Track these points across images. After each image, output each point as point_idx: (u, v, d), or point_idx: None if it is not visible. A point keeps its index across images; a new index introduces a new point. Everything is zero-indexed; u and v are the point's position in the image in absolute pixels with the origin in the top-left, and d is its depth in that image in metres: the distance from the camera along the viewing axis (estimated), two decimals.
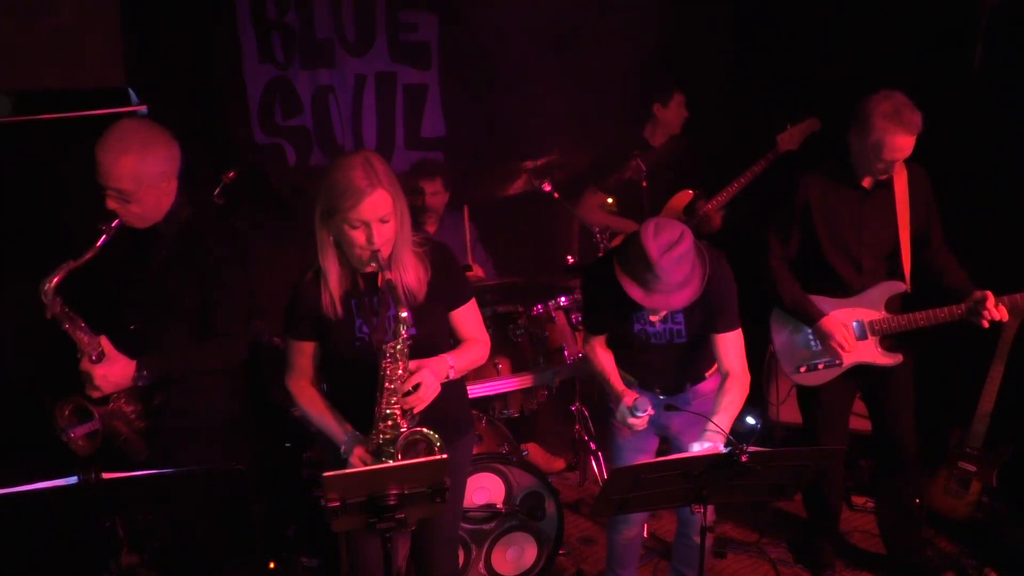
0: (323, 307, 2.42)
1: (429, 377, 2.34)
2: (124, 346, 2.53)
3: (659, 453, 3.06)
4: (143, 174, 2.47)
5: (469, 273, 4.24)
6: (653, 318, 2.78)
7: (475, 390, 3.57)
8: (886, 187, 3.21)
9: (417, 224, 4.42)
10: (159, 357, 2.52)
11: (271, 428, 3.94)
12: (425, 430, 2.33)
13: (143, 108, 3.92)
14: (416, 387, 2.32)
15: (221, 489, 2.09)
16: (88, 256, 2.46)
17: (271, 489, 3.78)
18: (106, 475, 1.97)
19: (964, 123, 3.59)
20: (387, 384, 2.32)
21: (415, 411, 2.34)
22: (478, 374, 3.66)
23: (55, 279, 2.43)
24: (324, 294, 2.41)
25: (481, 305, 3.76)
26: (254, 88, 4.47)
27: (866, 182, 3.19)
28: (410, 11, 4.91)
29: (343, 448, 2.42)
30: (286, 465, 3.79)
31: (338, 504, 2.09)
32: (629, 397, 2.78)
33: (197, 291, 2.60)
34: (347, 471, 2.10)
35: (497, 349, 3.67)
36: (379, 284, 2.39)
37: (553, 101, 5.13)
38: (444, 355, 2.46)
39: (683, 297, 2.56)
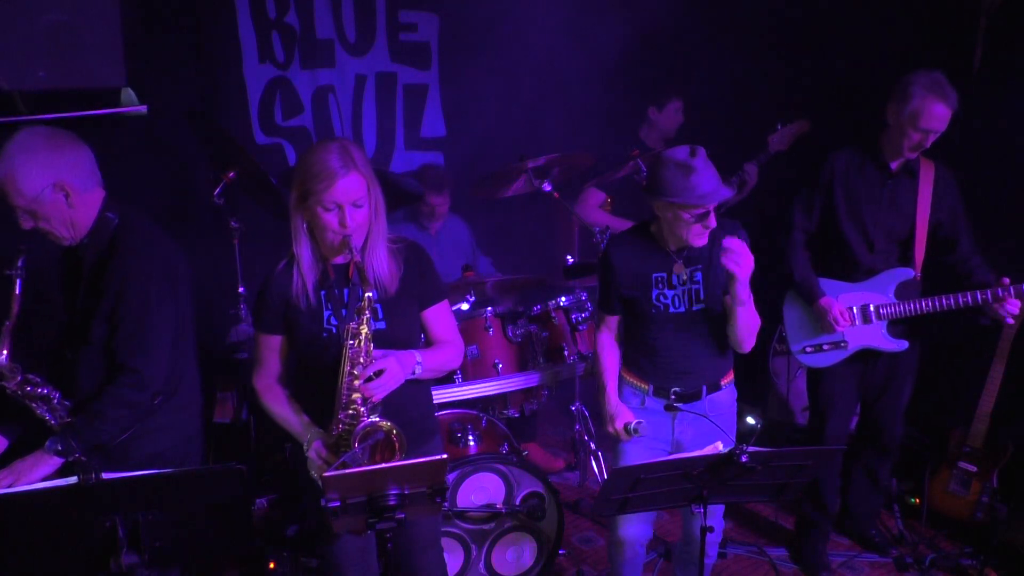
0: (293, 295, 2.39)
1: (394, 365, 2.31)
2: (63, 377, 2.49)
3: None
4: (24, 187, 2.34)
5: (467, 274, 4.25)
6: (677, 268, 2.76)
7: (475, 390, 3.58)
8: (910, 176, 3.27)
9: (421, 226, 4.44)
10: (63, 437, 2.37)
11: (271, 428, 3.94)
12: (382, 421, 2.28)
13: (143, 108, 3.92)
14: (379, 373, 2.29)
15: (221, 489, 2.09)
16: (17, 308, 2.38)
17: (271, 489, 3.79)
18: (106, 475, 1.97)
19: (964, 123, 3.59)
20: (348, 368, 2.28)
21: (375, 398, 2.29)
22: (478, 374, 3.66)
23: (4, 350, 2.36)
24: (295, 281, 2.39)
25: (481, 305, 3.80)
26: (254, 88, 4.48)
27: (894, 164, 3.25)
28: (410, 11, 4.91)
29: (304, 444, 2.39)
30: (286, 465, 3.80)
31: (338, 504, 2.09)
32: (622, 418, 2.84)
33: (106, 315, 2.43)
34: (347, 471, 2.09)
35: (497, 349, 3.68)
36: (349, 274, 2.39)
37: (553, 101, 5.14)
38: (413, 351, 2.43)
39: (725, 191, 2.63)
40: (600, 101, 5.08)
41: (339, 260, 2.43)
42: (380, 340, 2.36)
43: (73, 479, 1.96)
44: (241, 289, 3.86)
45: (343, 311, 2.39)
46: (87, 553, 2.05)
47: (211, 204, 3.74)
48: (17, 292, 2.39)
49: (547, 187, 4.02)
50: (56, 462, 2.36)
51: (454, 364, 2.59)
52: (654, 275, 2.79)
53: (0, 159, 2.34)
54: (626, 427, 2.84)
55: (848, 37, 4.43)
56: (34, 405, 2.45)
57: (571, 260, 4.21)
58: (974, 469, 3.73)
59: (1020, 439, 3.70)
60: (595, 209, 4.59)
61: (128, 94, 3.90)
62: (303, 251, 2.39)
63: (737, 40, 4.81)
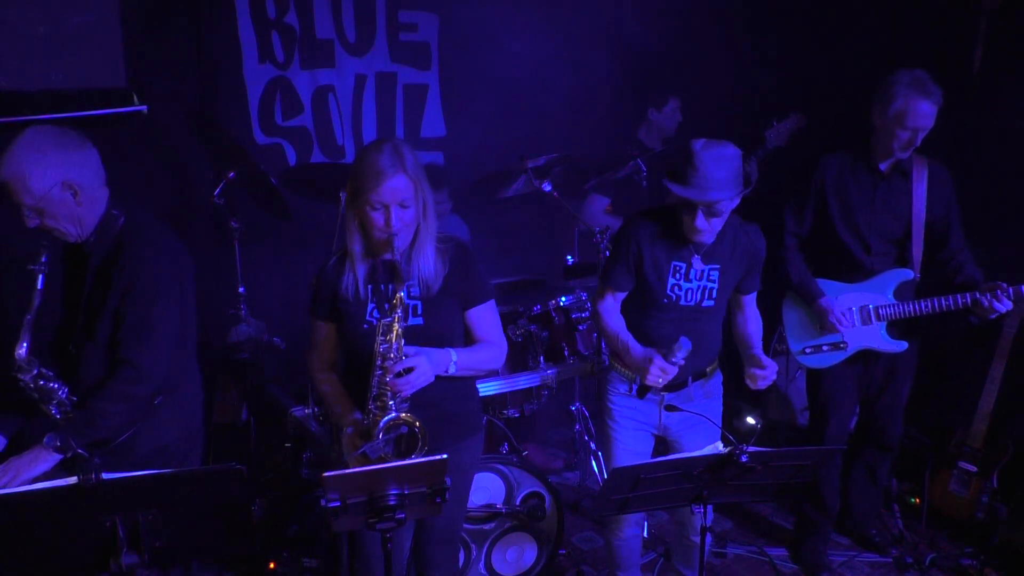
0: (343, 287, 2.47)
1: (423, 363, 2.34)
2: (66, 370, 2.51)
3: (655, 454, 3.04)
4: (34, 186, 2.33)
5: None
6: (696, 263, 2.76)
7: None
8: (903, 176, 3.26)
9: None
10: (62, 433, 2.36)
11: (271, 428, 3.95)
12: (405, 416, 2.32)
13: (143, 108, 3.92)
14: (408, 371, 2.32)
15: (221, 489, 2.09)
16: (38, 303, 2.41)
17: (271, 489, 3.79)
18: (106, 475, 1.97)
19: (964, 123, 3.60)
20: (379, 362, 2.33)
21: (403, 394, 2.33)
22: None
23: (25, 343, 2.39)
24: (346, 275, 2.47)
25: None
26: (254, 88, 4.47)
27: (884, 166, 3.24)
28: (410, 11, 4.91)
29: (343, 429, 2.46)
30: (286, 465, 3.80)
31: (338, 504, 2.09)
32: (658, 356, 2.69)
33: (112, 312, 2.44)
34: (347, 471, 2.10)
35: None
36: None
37: (553, 101, 5.14)
38: (449, 349, 2.47)
39: (719, 194, 2.59)
40: (600, 101, 5.07)
41: (388, 256, 2.46)
42: (417, 336, 2.40)
43: (73, 479, 1.96)
44: (241, 289, 3.86)
45: (386, 305, 2.43)
46: (87, 553, 2.05)
47: (211, 204, 3.74)
48: (39, 287, 2.42)
49: (547, 187, 4.02)
50: (55, 458, 2.37)
51: (494, 364, 2.62)
52: (673, 263, 2.79)
53: (8, 158, 2.34)
54: (669, 352, 2.66)
55: (848, 37, 4.43)
56: (43, 400, 2.47)
57: (571, 260, 4.21)
58: (974, 469, 3.73)
59: (1020, 439, 3.70)
60: (600, 215, 4.60)
61: (128, 94, 3.90)
62: (355, 246, 2.45)
63: (737, 40, 4.82)
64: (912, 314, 3.26)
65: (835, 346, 3.37)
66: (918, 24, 4.12)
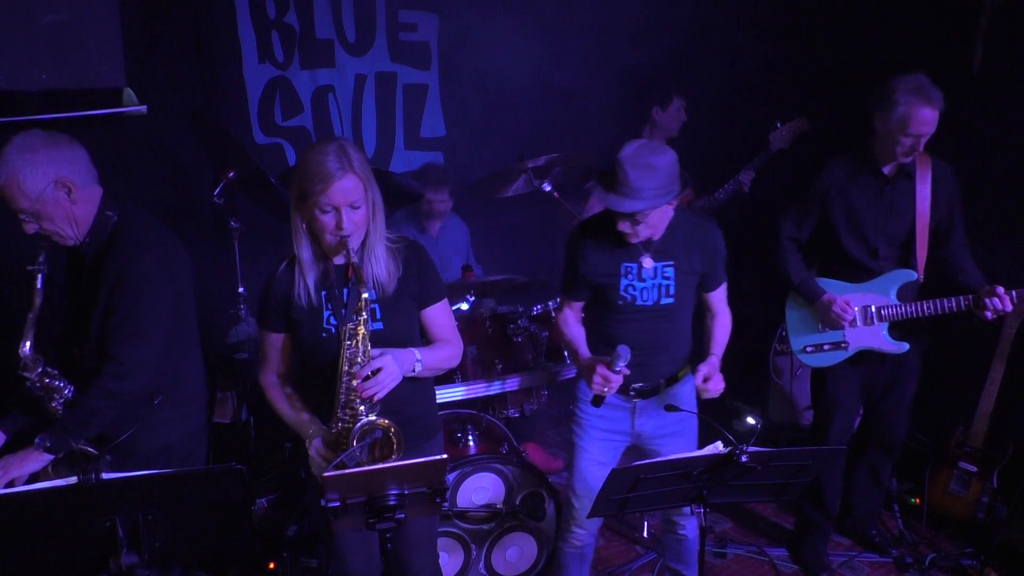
0: (295, 295, 2.41)
1: (390, 364, 2.30)
2: (75, 373, 2.52)
3: (629, 462, 2.98)
4: (28, 186, 2.35)
5: (468, 274, 4.24)
6: (645, 262, 2.72)
7: (475, 390, 3.57)
8: (907, 178, 3.25)
9: (422, 227, 4.43)
10: (53, 433, 2.37)
11: (271, 428, 3.95)
12: (380, 419, 2.30)
13: (143, 108, 3.92)
14: (376, 372, 2.28)
15: (221, 489, 2.09)
16: (39, 301, 2.42)
17: (271, 489, 3.79)
18: (106, 475, 1.97)
19: (964, 123, 3.60)
20: (346, 367, 2.30)
21: (375, 399, 2.29)
22: (478, 374, 3.66)
23: (28, 341, 2.40)
24: (297, 282, 2.40)
25: (481, 305, 3.80)
26: (254, 88, 4.47)
27: (887, 169, 3.23)
28: (410, 11, 4.92)
29: (306, 441, 2.42)
30: (286, 465, 3.80)
31: (338, 504, 2.09)
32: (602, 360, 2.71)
33: (103, 309, 2.45)
34: (347, 471, 2.09)
35: (497, 349, 3.68)
36: (348, 274, 2.38)
37: (553, 100, 5.14)
38: (412, 348, 2.43)
39: (635, 205, 2.55)
40: (600, 100, 5.07)
41: (340, 260, 2.43)
42: (378, 340, 2.36)
43: (73, 479, 1.96)
44: (241, 289, 3.86)
45: (343, 311, 2.39)
46: (87, 553, 2.05)
47: (211, 204, 3.74)
48: (39, 286, 2.43)
49: (547, 187, 4.03)
50: (46, 458, 2.38)
51: (453, 363, 2.59)
52: (623, 264, 2.76)
53: (0, 165, 2.35)
54: (611, 361, 2.66)
55: (849, 37, 4.43)
56: (49, 398, 2.48)
57: None
58: (974, 469, 3.73)
59: (1020, 439, 3.70)
60: None
61: (128, 94, 3.90)
62: (303, 251, 2.39)
63: (738, 39, 4.81)
64: (914, 315, 3.25)
65: (836, 345, 3.37)
66: (918, 23, 4.12)
